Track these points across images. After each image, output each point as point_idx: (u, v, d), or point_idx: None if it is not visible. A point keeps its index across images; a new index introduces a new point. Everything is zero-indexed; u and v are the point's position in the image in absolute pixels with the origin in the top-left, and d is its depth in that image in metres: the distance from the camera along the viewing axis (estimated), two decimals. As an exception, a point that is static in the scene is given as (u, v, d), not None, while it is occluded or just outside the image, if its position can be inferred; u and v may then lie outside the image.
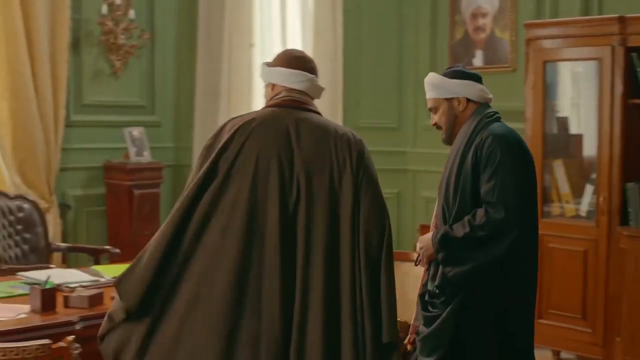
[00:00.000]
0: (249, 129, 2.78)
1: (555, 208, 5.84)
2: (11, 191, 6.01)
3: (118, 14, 6.98)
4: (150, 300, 2.69)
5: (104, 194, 7.02)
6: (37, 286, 3.65)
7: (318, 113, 2.93)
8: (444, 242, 3.34)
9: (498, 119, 3.48)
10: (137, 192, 6.79)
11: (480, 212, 3.28)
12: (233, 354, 2.62)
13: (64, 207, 6.86)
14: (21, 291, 3.92)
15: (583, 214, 5.73)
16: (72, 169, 6.94)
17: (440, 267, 3.36)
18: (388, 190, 6.76)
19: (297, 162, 2.75)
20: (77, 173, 7.00)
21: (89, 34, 7.00)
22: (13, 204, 5.54)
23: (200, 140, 7.36)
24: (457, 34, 6.57)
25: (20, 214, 5.55)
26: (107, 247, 5.84)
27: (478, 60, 6.44)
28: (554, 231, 5.58)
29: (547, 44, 5.73)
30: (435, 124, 3.56)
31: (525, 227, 3.31)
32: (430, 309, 3.39)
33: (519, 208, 3.26)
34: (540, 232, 3.48)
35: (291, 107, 2.86)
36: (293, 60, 2.95)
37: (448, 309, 3.31)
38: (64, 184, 6.89)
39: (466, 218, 3.31)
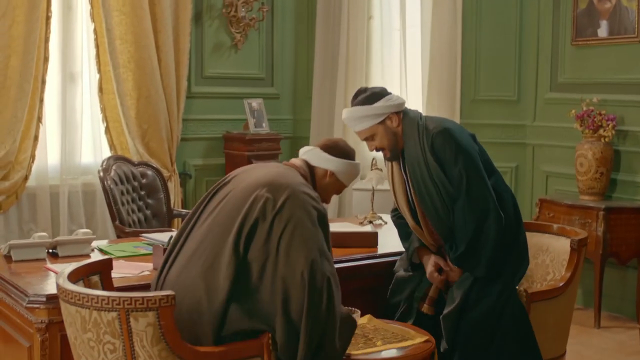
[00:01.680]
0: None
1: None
2: (135, 159, 6.20)
3: (239, -14, 7.09)
4: None
5: (223, 164, 7.16)
6: (160, 245, 3.75)
7: (293, 166, 3.30)
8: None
9: (419, 114, 3.64)
10: (255, 162, 6.88)
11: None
12: None
13: (185, 176, 7.04)
14: (144, 251, 4.04)
15: None
16: (192, 139, 7.11)
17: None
18: (505, 164, 6.70)
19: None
20: (198, 143, 7.17)
21: (210, 7, 7.14)
22: (137, 170, 5.70)
23: (318, 113, 7.41)
24: (581, 3, 6.37)
25: (144, 180, 5.70)
26: (226, 215, 5.93)
27: (603, 31, 6.23)
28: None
29: (676, 12, 5.51)
30: (376, 149, 3.65)
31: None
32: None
33: (489, 189, 3.52)
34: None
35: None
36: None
37: (458, 298, 3.52)
38: (185, 153, 7.07)
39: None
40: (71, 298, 2.64)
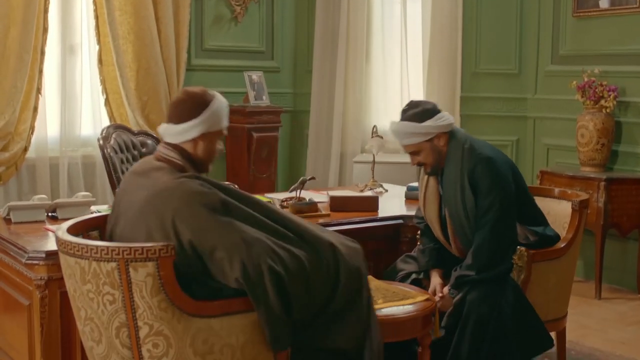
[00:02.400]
0: None
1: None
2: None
3: (239, -42, 7.06)
4: None
5: (224, 136, 7.13)
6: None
7: (164, 160, 2.95)
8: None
9: (466, 136, 3.64)
10: (256, 135, 6.88)
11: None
12: None
13: (185, 149, 7.01)
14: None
15: None
16: (192, 111, 7.07)
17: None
18: (506, 137, 6.68)
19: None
20: (198, 116, 7.13)
21: (210, -21, 7.11)
22: (137, 140, 5.67)
23: (318, 86, 7.38)
24: (583, -26, 6.34)
25: (144, 149, 5.67)
26: (226, 186, 5.92)
27: (604, 2, 6.20)
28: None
29: (679, -19, 5.47)
30: (418, 163, 3.66)
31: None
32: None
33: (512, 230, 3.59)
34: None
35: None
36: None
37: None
38: (185, 126, 7.03)
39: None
40: (70, 249, 2.63)
